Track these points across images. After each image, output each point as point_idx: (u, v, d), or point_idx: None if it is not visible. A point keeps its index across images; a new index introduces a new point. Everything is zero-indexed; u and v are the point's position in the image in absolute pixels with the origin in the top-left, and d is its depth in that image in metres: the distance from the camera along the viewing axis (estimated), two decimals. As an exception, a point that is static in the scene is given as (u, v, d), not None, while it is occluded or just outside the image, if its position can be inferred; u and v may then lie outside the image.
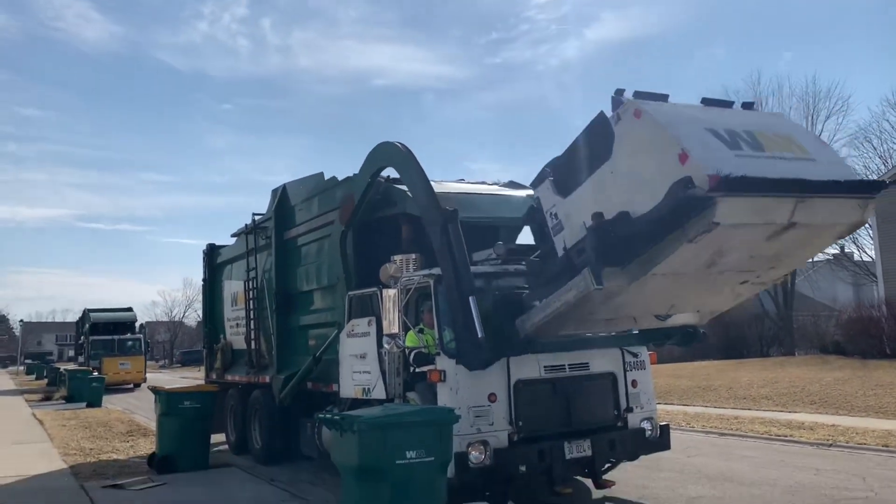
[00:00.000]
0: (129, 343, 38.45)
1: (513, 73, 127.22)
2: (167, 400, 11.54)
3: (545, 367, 7.64)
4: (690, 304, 7.21)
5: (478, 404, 7.26)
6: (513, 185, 10.88)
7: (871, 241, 33.32)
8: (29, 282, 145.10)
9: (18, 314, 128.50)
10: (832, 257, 45.46)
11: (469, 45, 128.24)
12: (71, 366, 42.93)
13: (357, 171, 9.81)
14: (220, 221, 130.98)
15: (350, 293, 9.32)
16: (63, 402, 26.95)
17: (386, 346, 7.96)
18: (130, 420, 19.70)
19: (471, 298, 7.11)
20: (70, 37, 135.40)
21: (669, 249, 5.83)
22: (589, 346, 7.87)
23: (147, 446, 13.67)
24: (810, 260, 44.80)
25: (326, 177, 11.03)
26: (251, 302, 12.67)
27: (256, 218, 12.86)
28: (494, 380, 7.28)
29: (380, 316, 8.15)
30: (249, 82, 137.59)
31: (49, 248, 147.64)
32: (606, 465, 8.28)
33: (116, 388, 34.17)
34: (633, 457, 8.34)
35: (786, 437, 12.44)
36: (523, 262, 7.81)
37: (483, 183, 10.90)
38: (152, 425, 14.08)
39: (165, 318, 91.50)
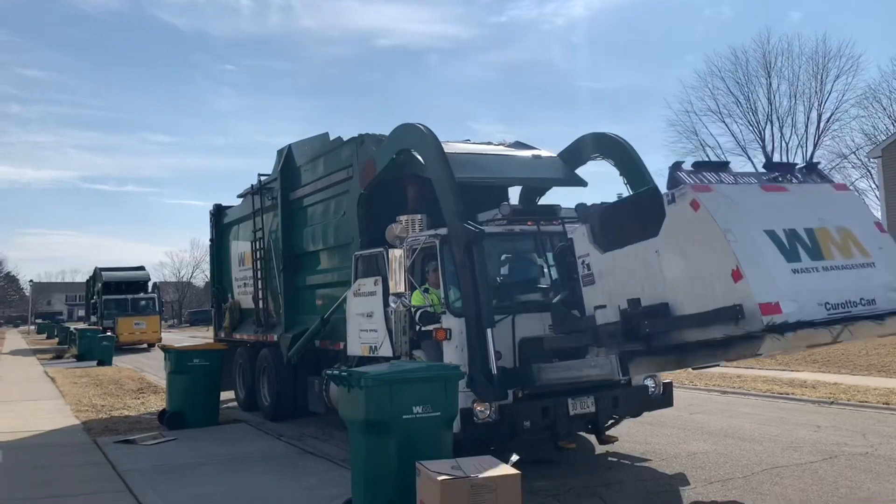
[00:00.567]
0: (143, 303, 37.71)
1: (518, 33, 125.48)
2: (177, 358, 11.71)
3: (550, 325, 7.71)
4: None
5: (483, 361, 7.34)
6: (519, 145, 10.85)
7: (878, 203, 33.20)
8: (36, 243, 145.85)
9: (28, 275, 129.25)
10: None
11: (473, 3, 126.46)
12: (81, 325, 43.24)
13: (362, 132, 9.86)
14: (225, 182, 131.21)
15: (356, 253, 9.38)
16: (74, 360, 27.34)
17: (392, 305, 8.05)
18: (141, 378, 19.99)
19: (489, 331, 7.09)
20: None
21: (705, 358, 5.74)
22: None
23: (157, 403, 13.92)
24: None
25: (331, 137, 11.02)
26: (258, 262, 12.77)
27: (262, 178, 12.88)
28: (500, 338, 7.36)
29: (386, 276, 8.23)
30: (251, 42, 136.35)
31: (55, 210, 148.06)
32: (610, 422, 8.42)
33: (131, 347, 34.01)
34: (636, 413, 8.47)
35: (787, 395, 12.58)
36: (549, 307, 7.45)
37: (489, 143, 10.87)
38: (162, 383, 14.31)
39: (173, 279, 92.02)
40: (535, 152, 10.25)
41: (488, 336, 7.10)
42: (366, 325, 8.88)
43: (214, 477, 8.17)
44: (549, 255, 8.37)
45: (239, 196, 14.26)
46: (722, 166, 6.21)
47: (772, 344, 5.19)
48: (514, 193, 10.82)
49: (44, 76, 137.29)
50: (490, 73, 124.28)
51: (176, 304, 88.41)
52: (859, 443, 8.75)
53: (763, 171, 6.52)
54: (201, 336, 38.50)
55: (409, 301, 7.98)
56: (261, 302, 12.71)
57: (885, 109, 41.30)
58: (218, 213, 15.26)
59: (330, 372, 6.74)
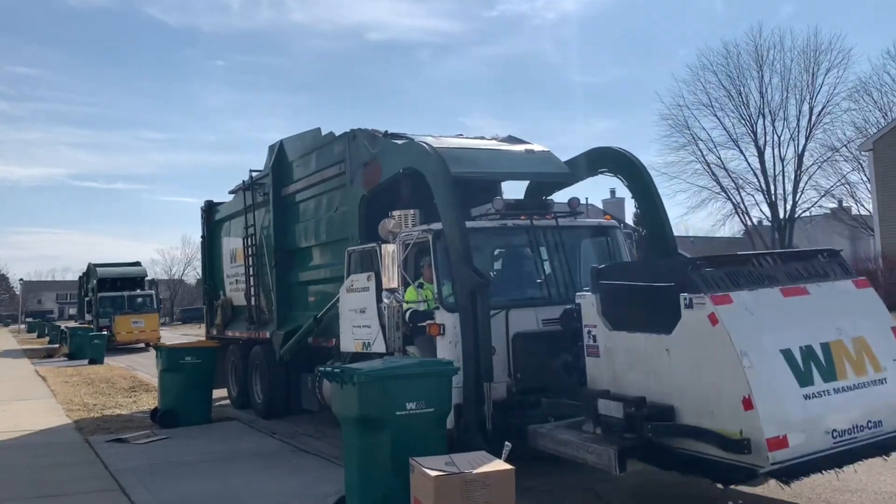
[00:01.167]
0: (140, 300, 35.76)
1: (509, 27, 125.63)
2: (168, 356, 11.66)
3: (543, 320, 7.69)
4: None
5: (477, 357, 7.30)
6: (512, 139, 10.81)
7: (869, 196, 33.34)
8: (27, 241, 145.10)
9: (18, 273, 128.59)
10: (830, 211, 45.53)
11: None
12: (72, 324, 42.83)
13: (355, 127, 9.84)
14: (217, 179, 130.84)
15: (349, 248, 9.33)
16: (65, 359, 27.19)
17: (385, 300, 8.00)
18: (133, 376, 19.90)
19: (486, 385, 6.94)
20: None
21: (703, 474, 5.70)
22: None
23: (149, 402, 13.85)
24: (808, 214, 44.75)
25: (324, 132, 10.96)
26: (250, 258, 12.71)
27: (254, 174, 12.82)
28: (494, 333, 7.33)
29: (379, 271, 8.18)
30: (241, 37, 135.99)
31: (45, 208, 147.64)
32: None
33: (128, 348, 32.33)
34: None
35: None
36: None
37: (482, 138, 10.83)
38: (154, 381, 14.24)
39: (165, 276, 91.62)
40: (528, 147, 10.20)
41: (486, 390, 6.95)
42: (359, 321, 8.84)
43: (207, 475, 8.13)
44: (543, 250, 8.33)
45: (230, 192, 14.20)
46: (742, 259, 6.03)
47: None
48: (519, 189, 10.73)
49: (33, 73, 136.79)
50: (482, 68, 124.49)
51: (168, 302, 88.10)
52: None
53: (786, 256, 6.35)
54: (193, 334, 38.29)
55: (403, 297, 7.94)
56: (253, 299, 12.65)
57: (875, 103, 41.53)
58: (209, 209, 15.18)
59: (323, 368, 6.70)
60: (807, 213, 44.91)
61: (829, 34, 58.13)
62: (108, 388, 16.90)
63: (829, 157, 42.22)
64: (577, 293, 6.90)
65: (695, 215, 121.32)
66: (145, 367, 22.58)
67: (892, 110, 39.87)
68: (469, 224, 7.79)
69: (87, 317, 36.60)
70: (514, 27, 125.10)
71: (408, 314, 7.90)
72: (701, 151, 44.54)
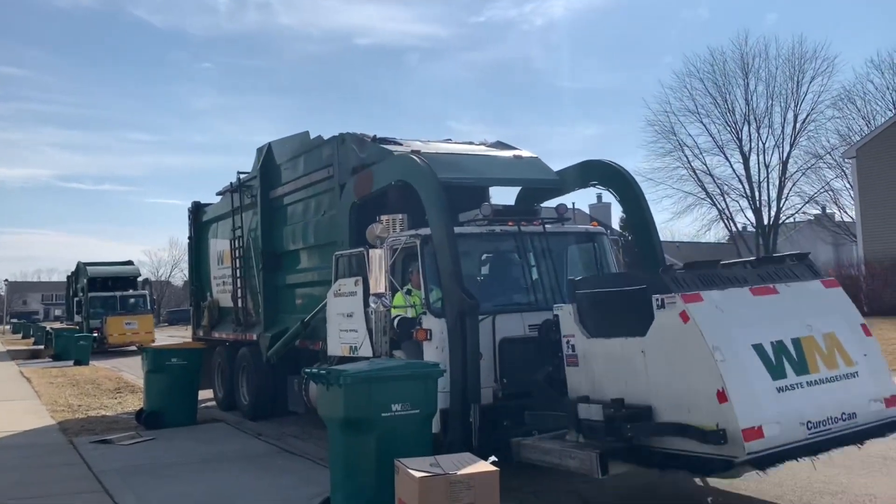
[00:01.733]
0: (133, 300, 33.93)
1: (497, 33, 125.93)
2: (154, 357, 11.63)
3: (529, 325, 7.75)
4: None
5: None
6: (500, 145, 10.88)
7: (852, 203, 33.69)
8: (11, 242, 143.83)
9: (3, 274, 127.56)
10: (813, 218, 45.96)
11: (452, 3, 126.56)
12: (57, 325, 42.31)
13: (343, 131, 9.87)
14: (204, 181, 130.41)
15: (337, 253, 9.35)
16: (50, 360, 26.99)
17: (372, 305, 8.03)
18: (118, 378, 19.80)
19: (474, 406, 6.96)
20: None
21: (685, 469, 5.76)
22: None
23: (135, 403, 13.79)
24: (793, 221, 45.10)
25: (312, 136, 10.99)
26: (237, 260, 12.70)
27: (242, 176, 12.81)
28: (480, 338, 7.37)
29: (366, 276, 8.21)
30: (229, 40, 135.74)
31: (31, 209, 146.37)
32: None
33: (120, 350, 30.33)
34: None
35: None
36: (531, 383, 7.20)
37: (470, 143, 10.89)
38: (140, 382, 14.18)
39: (152, 278, 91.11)
40: (517, 152, 10.28)
41: (473, 411, 6.98)
42: (346, 326, 8.86)
43: (192, 476, 8.13)
44: (531, 255, 8.40)
45: (218, 194, 14.18)
46: (712, 264, 6.18)
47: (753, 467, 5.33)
48: (508, 195, 10.78)
49: (18, 73, 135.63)
50: (470, 73, 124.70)
51: (154, 304, 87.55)
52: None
53: (754, 262, 6.52)
54: (180, 335, 38.04)
55: (390, 302, 7.97)
56: (240, 301, 12.65)
57: (859, 111, 42.05)
58: (196, 210, 15.14)
59: (309, 370, 6.73)
60: (791, 220, 45.36)
61: (813, 43, 58.94)
62: (94, 390, 16.81)
63: (812, 165, 42.69)
64: (556, 305, 7.00)
65: (680, 221, 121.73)
66: (131, 368, 22.47)
67: (876, 118, 40.31)
68: (457, 229, 7.83)
69: (77, 318, 34.83)
70: (501, 33, 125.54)
71: (396, 321, 7.94)
72: (687, 157, 44.94)
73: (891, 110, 39.66)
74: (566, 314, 6.62)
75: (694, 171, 44.93)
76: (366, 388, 5.87)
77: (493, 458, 5.64)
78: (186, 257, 17.67)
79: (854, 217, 33.35)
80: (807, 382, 5.65)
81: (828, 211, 45.06)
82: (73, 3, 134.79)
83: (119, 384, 17.93)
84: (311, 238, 10.73)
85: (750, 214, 44.62)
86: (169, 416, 11.23)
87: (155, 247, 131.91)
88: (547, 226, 8.71)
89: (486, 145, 10.83)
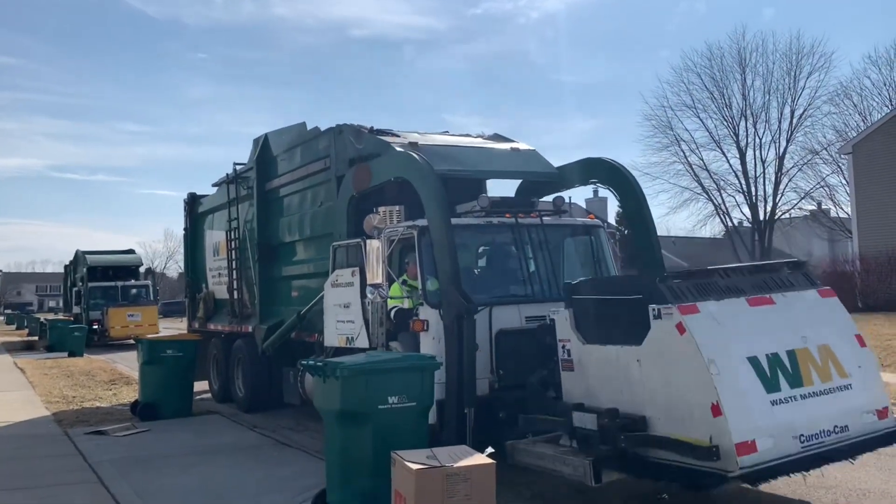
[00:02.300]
0: (135, 290, 32.23)
1: (493, 25, 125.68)
2: (150, 348, 11.61)
3: (526, 317, 7.75)
4: None
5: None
6: (497, 137, 10.85)
7: (848, 198, 33.75)
8: (6, 232, 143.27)
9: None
10: (809, 213, 46.05)
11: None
12: (52, 316, 41.89)
13: (340, 122, 9.83)
14: (199, 172, 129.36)
15: (334, 244, 9.33)
16: (45, 351, 26.91)
17: (369, 295, 8.02)
18: (113, 369, 19.77)
19: (468, 411, 6.95)
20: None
21: (677, 481, 5.74)
22: None
23: (130, 394, 13.77)
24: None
25: (308, 127, 10.94)
26: (233, 252, 12.66)
27: (238, 168, 12.76)
28: (477, 330, 7.36)
29: (363, 266, 8.19)
30: (224, 31, 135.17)
31: (24, 199, 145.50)
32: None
33: (122, 344, 27.51)
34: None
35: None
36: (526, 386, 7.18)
37: (468, 135, 10.86)
38: (135, 374, 14.18)
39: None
40: (514, 145, 10.26)
41: (468, 415, 6.97)
42: (343, 316, 8.86)
43: (187, 468, 8.11)
44: (528, 247, 8.39)
45: (214, 185, 14.13)
46: (710, 273, 6.18)
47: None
48: (506, 187, 10.75)
49: (11, 62, 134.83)
50: (466, 66, 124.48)
51: (158, 294, 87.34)
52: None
53: (751, 269, 6.49)
54: (175, 327, 37.89)
55: (387, 292, 7.96)
56: (235, 292, 12.61)
57: (856, 106, 42.06)
58: (192, 202, 15.10)
59: (305, 362, 6.71)
60: (787, 215, 45.46)
61: (811, 38, 58.89)
62: (88, 381, 16.77)
63: (809, 160, 42.77)
64: (551, 309, 7.00)
65: (676, 216, 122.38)
66: (126, 359, 22.42)
67: (872, 114, 40.36)
68: (454, 221, 7.82)
69: (76, 309, 32.93)
70: (498, 25, 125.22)
71: (392, 312, 7.92)
72: (683, 152, 44.99)
73: (887, 106, 39.69)
74: (562, 319, 6.63)
75: (690, 166, 45.04)
76: (363, 380, 5.85)
77: (489, 450, 5.63)
78: (181, 249, 17.61)
79: (849, 213, 33.40)
80: (801, 395, 5.65)
81: (823, 207, 45.14)
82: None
83: (114, 376, 17.91)
84: (308, 229, 10.69)
85: (746, 210, 44.79)
86: (164, 408, 11.21)
87: (150, 238, 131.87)
88: (544, 218, 8.70)
89: (484, 138, 10.80)
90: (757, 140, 43.94)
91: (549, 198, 9.36)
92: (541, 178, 9.76)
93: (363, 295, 8.29)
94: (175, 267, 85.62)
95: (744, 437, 5.21)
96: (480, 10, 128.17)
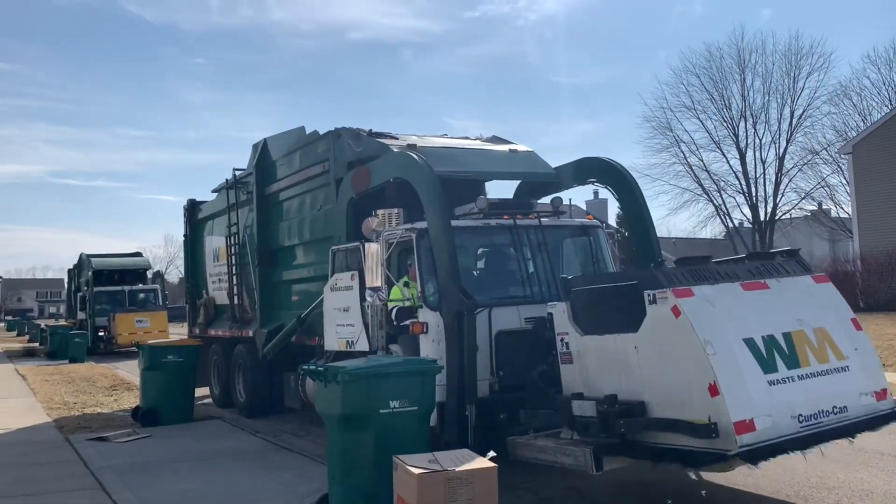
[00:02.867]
0: (143, 295, 30.50)
1: (491, 28, 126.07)
2: (151, 354, 11.59)
3: (526, 318, 7.74)
4: None
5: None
6: (496, 139, 10.86)
7: (848, 198, 33.75)
8: (5, 239, 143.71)
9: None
10: (809, 214, 46.03)
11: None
12: (52, 322, 41.64)
13: (338, 125, 9.84)
14: (198, 177, 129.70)
15: (333, 247, 9.32)
16: (46, 358, 26.83)
17: (369, 299, 8.01)
18: (114, 375, 19.76)
19: (469, 407, 6.96)
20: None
21: (678, 464, 5.74)
22: None
23: (131, 400, 13.76)
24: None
25: (307, 131, 10.94)
26: (233, 257, 12.65)
27: (237, 173, 12.77)
28: (477, 331, 7.35)
29: (363, 270, 8.19)
30: (221, 35, 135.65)
31: (24, 205, 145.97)
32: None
33: (129, 352, 24.97)
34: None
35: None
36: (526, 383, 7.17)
37: (466, 138, 10.87)
38: (136, 380, 14.16)
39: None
40: (513, 147, 10.27)
41: (469, 411, 6.98)
42: (342, 320, 8.85)
43: (189, 473, 8.10)
44: (526, 249, 8.38)
45: (213, 191, 14.14)
46: (705, 259, 6.20)
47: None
48: (504, 189, 10.75)
49: (10, 68, 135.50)
50: (464, 69, 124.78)
51: (167, 299, 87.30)
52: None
53: (745, 258, 6.53)
54: (176, 332, 37.82)
55: (387, 295, 7.95)
56: (236, 297, 12.61)
57: (855, 106, 42.06)
58: (192, 208, 15.11)
59: (306, 367, 6.71)
60: (787, 216, 45.43)
61: (810, 38, 58.87)
62: (89, 387, 16.77)
63: (809, 160, 42.75)
64: (549, 303, 7.01)
65: (677, 217, 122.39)
66: (129, 366, 22.40)
67: (872, 114, 40.36)
68: (453, 223, 7.81)
69: (81, 315, 31.33)
70: (495, 28, 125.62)
71: (393, 312, 7.91)
72: (683, 153, 44.98)
73: (887, 106, 39.69)
74: (560, 312, 6.65)
75: (690, 167, 45.02)
76: (364, 384, 5.84)
77: (491, 454, 5.62)
78: (182, 254, 17.60)
79: (850, 213, 33.40)
80: (798, 376, 5.68)
81: (824, 207, 45.11)
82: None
83: (115, 381, 17.89)
84: (308, 233, 10.69)
85: (746, 210, 44.74)
86: (165, 414, 11.20)
87: (150, 243, 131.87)
88: (543, 219, 8.70)
89: (482, 140, 10.81)
90: (757, 141, 43.96)
91: (548, 199, 9.36)
92: (539, 180, 9.77)
93: (363, 298, 8.29)
94: (175, 272, 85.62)
95: (742, 415, 5.23)
96: (478, 12, 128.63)
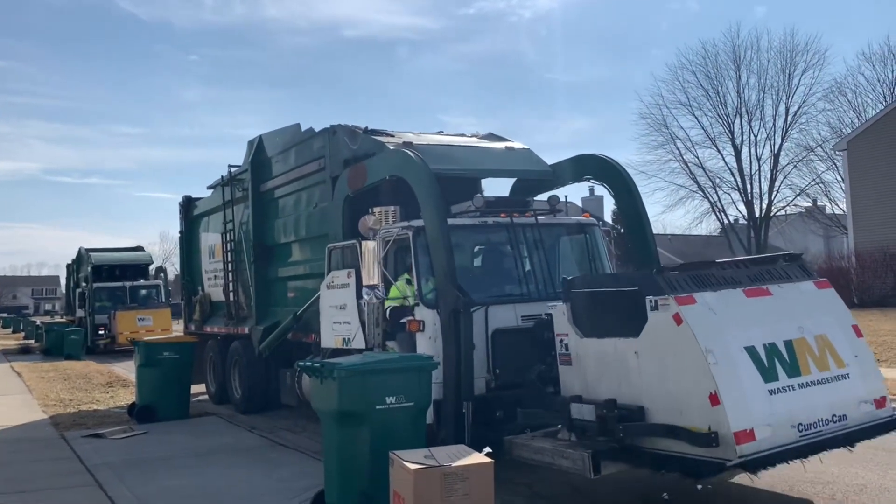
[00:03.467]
0: (145, 291, 29.10)
1: (486, 25, 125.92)
2: (146, 351, 11.60)
3: (522, 316, 7.75)
4: None
5: (456, 353, 7.33)
6: (492, 136, 10.86)
7: (843, 195, 33.85)
8: (0, 237, 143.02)
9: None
10: (804, 210, 46.16)
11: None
12: (48, 319, 41.52)
13: (334, 123, 9.80)
14: (192, 174, 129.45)
15: (329, 245, 9.32)
16: (41, 355, 26.77)
17: (365, 297, 8.02)
18: (110, 372, 19.73)
19: (465, 404, 6.96)
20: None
21: (677, 470, 5.75)
22: None
23: (127, 397, 13.75)
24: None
25: (303, 128, 10.94)
26: (229, 254, 12.65)
27: (233, 170, 12.75)
28: (473, 329, 7.36)
29: (359, 267, 8.19)
30: (215, 32, 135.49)
31: (18, 203, 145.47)
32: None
33: (132, 350, 23.93)
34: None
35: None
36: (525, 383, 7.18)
37: (462, 135, 10.86)
38: (132, 377, 14.14)
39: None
40: (509, 144, 10.27)
41: (466, 409, 6.98)
42: (339, 318, 8.85)
43: (185, 470, 8.11)
44: (523, 247, 8.39)
45: (209, 188, 14.12)
46: (707, 265, 6.20)
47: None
48: (500, 187, 10.76)
49: (4, 66, 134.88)
50: (460, 66, 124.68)
51: (170, 295, 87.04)
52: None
53: (748, 262, 6.53)
54: (179, 330, 37.59)
55: (383, 293, 7.95)
56: (231, 294, 12.60)
57: (850, 103, 42.21)
58: (187, 204, 15.08)
59: (302, 364, 6.71)
60: (782, 212, 45.56)
61: (805, 35, 58.71)
62: (85, 384, 16.75)
63: (804, 157, 42.90)
64: (549, 304, 7.01)
65: (672, 213, 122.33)
66: (123, 364, 22.36)
67: (866, 111, 40.49)
68: (449, 221, 7.82)
69: (80, 312, 30.07)
70: (490, 25, 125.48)
71: (388, 311, 7.91)
72: (679, 150, 45.05)
73: (881, 103, 39.80)
74: (560, 313, 6.63)
75: (686, 164, 45.10)
76: (360, 381, 5.85)
77: (487, 450, 5.64)
78: (177, 251, 17.56)
79: (845, 209, 33.51)
80: (798, 385, 5.68)
81: (819, 203, 45.27)
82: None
83: (111, 378, 17.87)
84: (303, 231, 10.69)
85: (741, 207, 44.86)
86: (161, 410, 11.20)
87: (145, 241, 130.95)
88: (539, 217, 8.71)
89: (478, 137, 10.81)
90: (752, 137, 44.06)
91: (545, 196, 9.36)
92: (535, 177, 9.78)
93: (359, 296, 8.29)
94: (171, 269, 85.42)
95: (742, 425, 5.23)
96: (473, 9, 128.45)
